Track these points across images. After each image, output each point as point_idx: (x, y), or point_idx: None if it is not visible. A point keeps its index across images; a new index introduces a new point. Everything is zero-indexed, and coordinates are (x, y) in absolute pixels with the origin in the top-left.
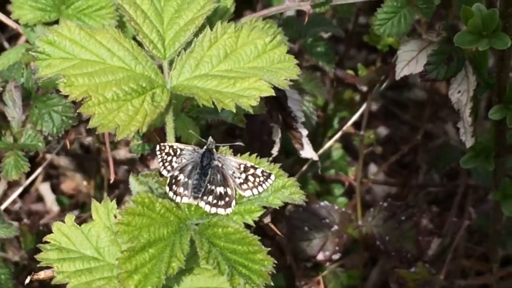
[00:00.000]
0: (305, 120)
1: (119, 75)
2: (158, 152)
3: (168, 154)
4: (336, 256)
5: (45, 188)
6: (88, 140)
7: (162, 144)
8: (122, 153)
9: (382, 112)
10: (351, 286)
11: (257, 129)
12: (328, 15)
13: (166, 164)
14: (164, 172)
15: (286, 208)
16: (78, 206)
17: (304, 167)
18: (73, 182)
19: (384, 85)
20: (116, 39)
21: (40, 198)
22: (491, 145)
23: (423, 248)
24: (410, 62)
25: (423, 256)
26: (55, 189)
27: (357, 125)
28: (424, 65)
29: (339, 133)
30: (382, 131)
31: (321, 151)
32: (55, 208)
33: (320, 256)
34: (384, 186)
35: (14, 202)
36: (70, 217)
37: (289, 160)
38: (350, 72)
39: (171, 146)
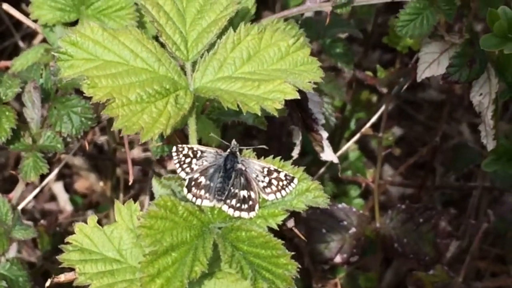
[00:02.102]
0: (324, 122)
1: (142, 76)
2: (174, 154)
3: (186, 155)
4: (353, 259)
5: (58, 187)
6: (101, 140)
7: (179, 145)
8: (136, 152)
9: (396, 113)
10: None
11: (276, 131)
12: (345, 15)
13: (185, 166)
14: (182, 174)
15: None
16: (91, 206)
17: (323, 169)
18: (87, 181)
19: (405, 86)
20: (139, 40)
21: (53, 197)
22: None
23: (441, 251)
24: (431, 64)
25: (441, 259)
26: (68, 188)
27: (374, 126)
28: (447, 67)
29: (357, 135)
30: (396, 131)
31: (339, 152)
32: (68, 207)
33: (338, 259)
34: (399, 187)
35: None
36: (92, 218)
37: (306, 161)
38: (369, 73)
39: (190, 148)
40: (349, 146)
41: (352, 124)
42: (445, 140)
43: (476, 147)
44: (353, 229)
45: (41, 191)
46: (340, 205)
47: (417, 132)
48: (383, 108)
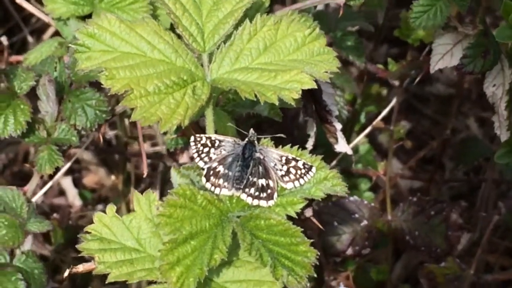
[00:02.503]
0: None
1: (160, 68)
2: (192, 144)
3: (204, 145)
4: (365, 251)
5: (67, 182)
6: (110, 134)
7: (197, 135)
8: (146, 147)
9: (404, 107)
10: (379, 281)
11: (287, 125)
12: (355, 8)
13: (203, 155)
14: (201, 164)
15: (313, 203)
16: (100, 200)
17: (334, 162)
18: (96, 176)
19: (418, 79)
20: (156, 32)
21: (61, 192)
22: None
23: (453, 243)
24: (445, 55)
25: (452, 251)
26: (77, 183)
27: (383, 119)
28: (461, 58)
29: (369, 128)
30: (404, 125)
31: (350, 145)
32: (77, 202)
33: (350, 251)
34: (408, 180)
35: (34, 195)
36: (111, 208)
37: (318, 154)
38: (380, 66)
39: (208, 138)
40: (360, 139)
41: (362, 118)
42: (453, 134)
43: (485, 140)
44: (365, 222)
45: (50, 186)
46: (352, 198)
47: (425, 127)
48: (394, 101)
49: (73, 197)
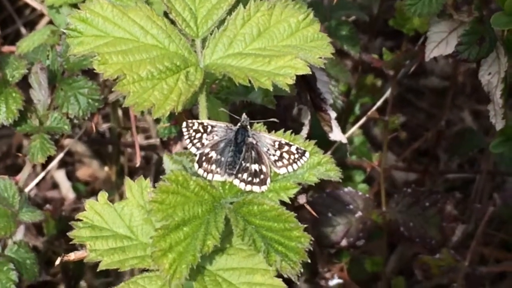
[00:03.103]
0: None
1: (153, 53)
2: (185, 129)
3: (196, 131)
4: (360, 243)
5: (60, 175)
6: (104, 127)
7: (190, 121)
8: (139, 139)
9: (399, 100)
10: (374, 273)
11: (281, 114)
12: None
13: (195, 141)
14: (193, 149)
15: (308, 194)
16: (94, 193)
17: (329, 152)
18: (89, 168)
19: (412, 68)
20: (149, 17)
21: (55, 185)
22: None
23: (447, 235)
24: (440, 43)
25: (447, 243)
26: (70, 176)
27: (378, 110)
28: (456, 45)
29: (364, 119)
30: (399, 117)
31: (345, 136)
32: (71, 195)
33: (344, 243)
34: (402, 172)
35: (27, 185)
36: (103, 195)
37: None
38: (375, 56)
39: (200, 123)
40: (354, 130)
41: (357, 109)
42: (448, 127)
43: (479, 132)
44: (359, 213)
45: (43, 179)
46: (346, 189)
47: (420, 120)
48: (389, 91)
49: (67, 190)
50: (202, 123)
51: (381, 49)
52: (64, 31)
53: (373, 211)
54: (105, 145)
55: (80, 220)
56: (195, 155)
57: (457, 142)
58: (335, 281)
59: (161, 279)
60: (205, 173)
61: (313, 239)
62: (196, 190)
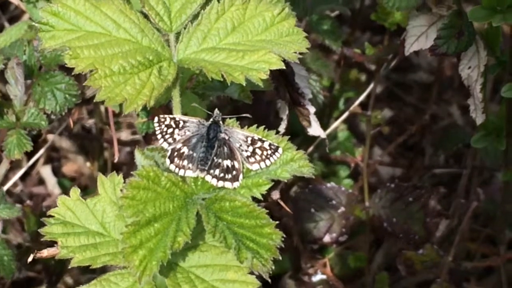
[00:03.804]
0: (312, 98)
1: (125, 47)
2: (156, 124)
3: (168, 126)
4: (342, 238)
5: (46, 171)
6: (90, 122)
7: (161, 116)
8: (125, 135)
9: (386, 94)
10: (357, 268)
11: (263, 110)
12: None
13: (167, 136)
14: (165, 145)
15: (291, 190)
16: (80, 189)
17: (311, 148)
18: (75, 164)
19: (393, 63)
20: (122, 11)
21: (41, 181)
22: (502, 124)
23: (431, 230)
24: (419, 37)
25: (431, 238)
26: (56, 171)
27: (363, 106)
28: (434, 39)
29: (346, 114)
30: (386, 113)
31: (327, 131)
32: (56, 191)
33: (327, 238)
34: (389, 168)
35: (15, 185)
36: (75, 191)
37: (296, 141)
38: (357, 50)
39: (172, 118)
40: (338, 125)
41: (341, 104)
42: (435, 122)
43: (466, 127)
44: (342, 209)
45: (29, 174)
46: (329, 184)
47: (408, 114)
48: (371, 85)
49: (53, 186)
50: (174, 118)
51: (371, 43)
52: (36, 25)
53: (356, 207)
54: (88, 141)
55: (52, 216)
56: (167, 150)
57: (442, 137)
58: (318, 276)
59: (133, 276)
60: (177, 169)
61: (284, 235)
62: (167, 186)
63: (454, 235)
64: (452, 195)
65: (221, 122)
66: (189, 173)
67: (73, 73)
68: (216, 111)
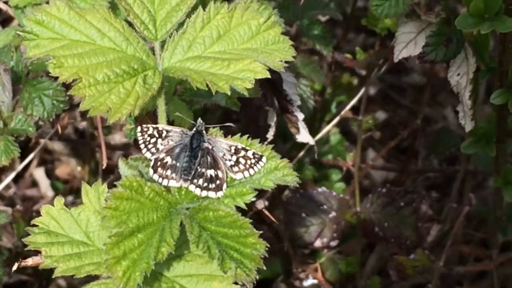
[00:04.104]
0: (301, 104)
1: (110, 56)
2: (139, 134)
3: (151, 135)
4: (334, 243)
5: (39, 173)
6: (83, 125)
7: (144, 125)
8: (117, 138)
9: (380, 97)
10: (349, 273)
11: (253, 114)
12: None
13: (150, 146)
14: (148, 154)
15: (283, 194)
16: (73, 191)
17: (302, 153)
18: (68, 167)
19: (383, 69)
20: (106, 20)
21: (34, 183)
22: (492, 130)
23: (423, 235)
24: (408, 44)
25: (422, 243)
26: (49, 174)
27: (355, 109)
28: (423, 46)
29: (337, 118)
30: (380, 115)
31: (319, 136)
32: (49, 193)
33: (318, 243)
34: (382, 171)
35: (8, 187)
36: (59, 200)
37: (287, 145)
38: (348, 55)
39: (155, 128)
40: (329, 129)
41: (333, 108)
42: (429, 124)
43: (460, 130)
44: (333, 213)
45: (22, 177)
46: (320, 189)
47: (402, 117)
48: (362, 90)
49: (46, 188)
50: (157, 128)
51: (362, 46)
52: (20, 33)
53: (347, 211)
54: (79, 144)
55: (36, 226)
56: (150, 160)
57: (435, 140)
58: (310, 281)
59: (116, 287)
60: (160, 179)
61: (268, 245)
62: (151, 196)
63: (446, 240)
64: (445, 199)
65: (204, 132)
66: (173, 183)
67: (57, 82)
68: (200, 120)
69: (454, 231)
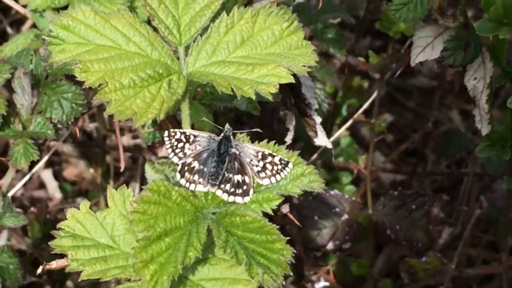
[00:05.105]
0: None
1: (135, 61)
2: (167, 138)
3: (179, 140)
4: (346, 246)
5: (47, 175)
6: (91, 127)
7: (172, 130)
8: (126, 140)
9: (387, 99)
10: (360, 275)
11: (267, 117)
12: (336, 0)
13: (177, 150)
14: (175, 159)
15: (295, 197)
16: (81, 193)
17: (315, 155)
18: (76, 168)
19: (398, 72)
20: (131, 24)
21: (42, 185)
22: (507, 134)
23: (434, 237)
24: (425, 48)
25: (433, 245)
26: (57, 175)
27: (365, 112)
28: (441, 51)
29: (350, 121)
30: (387, 118)
31: (331, 139)
32: (57, 195)
33: (330, 246)
34: (390, 173)
35: (11, 186)
36: (85, 204)
37: (298, 148)
38: (361, 59)
39: (183, 133)
40: (341, 132)
41: (344, 111)
42: (436, 127)
43: (467, 133)
44: (345, 216)
45: (30, 178)
46: (332, 192)
47: (408, 119)
48: (375, 94)
49: (53, 190)
50: (184, 133)
51: (369, 49)
52: (46, 38)
53: (359, 214)
54: (91, 147)
55: (62, 229)
56: (177, 164)
57: (444, 144)
58: (321, 284)
59: None
60: (188, 183)
61: (295, 250)
62: (178, 201)
63: (457, 242)
64: (453, 201)
65: (232, 137)
66: (200, 188)
67: (83, 87)
68: (227, 126)
69: (466, 234)
